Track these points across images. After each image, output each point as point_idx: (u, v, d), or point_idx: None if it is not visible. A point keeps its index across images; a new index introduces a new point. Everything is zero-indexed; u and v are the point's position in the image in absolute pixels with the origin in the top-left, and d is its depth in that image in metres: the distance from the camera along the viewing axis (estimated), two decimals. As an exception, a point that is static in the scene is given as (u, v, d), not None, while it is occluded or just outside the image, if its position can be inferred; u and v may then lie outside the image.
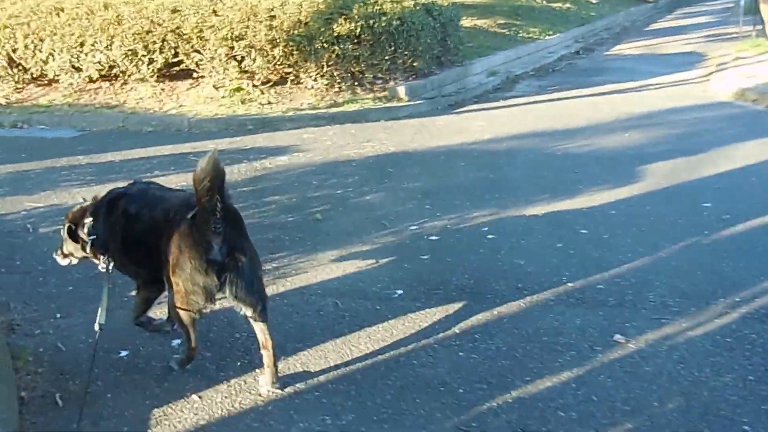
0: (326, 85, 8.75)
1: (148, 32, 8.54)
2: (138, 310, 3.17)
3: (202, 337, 3.17)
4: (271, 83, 8.74)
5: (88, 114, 8.25)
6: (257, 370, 2.99)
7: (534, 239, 4.38)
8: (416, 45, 9.17)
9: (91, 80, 8.97)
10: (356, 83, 8.95)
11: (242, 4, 8.53)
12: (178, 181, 5.70)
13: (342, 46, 8.54)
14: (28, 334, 3.35)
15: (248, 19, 8.42)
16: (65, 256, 3.24)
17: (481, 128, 7.56)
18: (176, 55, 8.66)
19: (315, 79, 8.73)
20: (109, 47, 8.61)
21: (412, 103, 8.68)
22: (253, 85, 8.68)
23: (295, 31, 8.43)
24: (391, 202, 5.17)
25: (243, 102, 8.46)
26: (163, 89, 8.89)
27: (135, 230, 2.88)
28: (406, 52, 9.10)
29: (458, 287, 3.74)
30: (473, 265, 4.01)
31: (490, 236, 4.45)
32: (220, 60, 8.49)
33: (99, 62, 8.71)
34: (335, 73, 8.72)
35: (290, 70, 8.75)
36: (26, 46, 8.87)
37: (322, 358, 3.12)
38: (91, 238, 2.98)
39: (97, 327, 2.81)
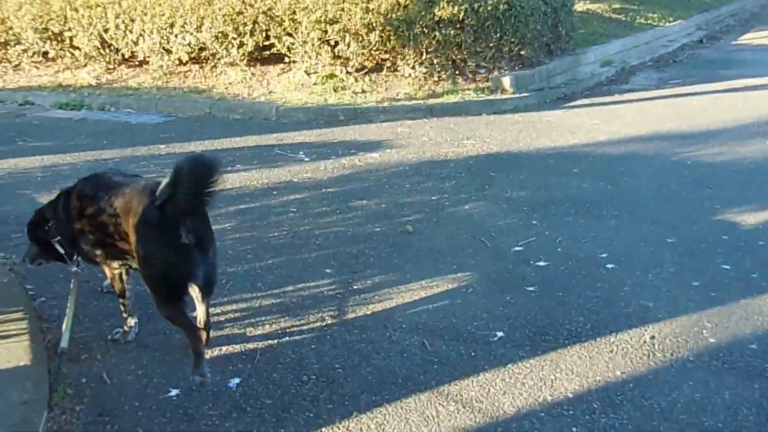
0: (425, 73, 8.11)
1: (239, 13, 8.16)
2: (118, 288, 3.03)
3: (265, 375, 2.77)
4: (365, 70, 8.19)
5: (176, 99, 7.97)
6: (323, 430, 2.46)
7: (664, 273, 3.62)
8: (524, 31, 8.37)
9: (181, 63, 8.71)
10: (457, 72, 8.27)
11: (338, -15, 8.01)
12: (260, 177, 5.28)
13: (443, 32, 7.87)
14: (73, 359, 2.94)
15: (343, 1, 7.88)
16: (33, 260, 3.18)
17: (595, 127, 6.73)
18: (267, 38, 8.25)
19: (413, 67, 8.11)
20: (199, 29, 8.30)
21: (517, 95, 7.92)
22: (347, 72, 8.16)
23: (393, 15, 7.82)
24: (492, 213, 4.51)
25: (335, 90, 7.96)
26: (253, 74, 8.52)
27: (93, 213, 2.84)
28: (512, 39, 8.32)
29: (571, 333, 3.07)
30: (590, 303, 3.32)
31: (609, 265, 3.72)
32: (313, 44, 8.01)
33: (189, 44, 8.42)
34: (435, 61, 8.07)
35: (387, 56, 8.19)
36: (117, 26, 8.70)
37: (402, 419, 2.55)
38: (56, 240, 2.99)
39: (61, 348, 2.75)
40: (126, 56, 8.96)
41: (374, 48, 7.99)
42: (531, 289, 3.48)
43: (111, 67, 9.14)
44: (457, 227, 4.29)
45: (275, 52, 8.34)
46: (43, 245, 3.09)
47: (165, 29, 8.46)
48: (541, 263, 3.75)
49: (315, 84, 8.13)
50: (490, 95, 7.88)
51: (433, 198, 4.82)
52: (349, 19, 7.81)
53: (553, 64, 8.84)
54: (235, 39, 8.26)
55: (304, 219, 4.48)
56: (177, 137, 6.58)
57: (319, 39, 7.97)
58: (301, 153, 5.99)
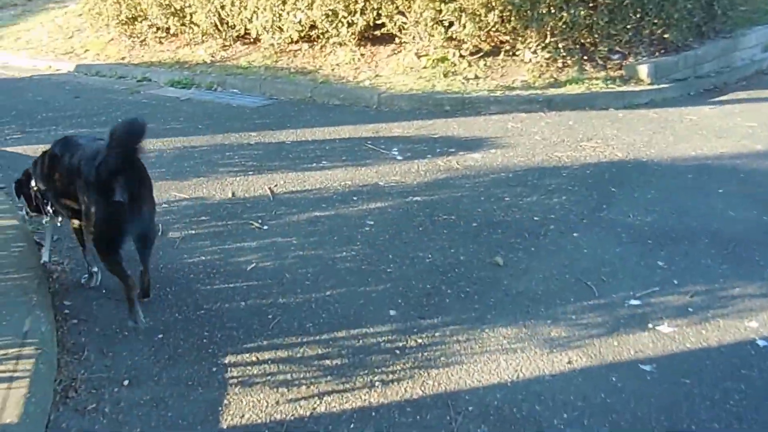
0: (547, 59, 7.20)
1: (351, -10, 7.59)
2: (79, 241, 3.37)
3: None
4: (481, 54, 7.40)
5: (280, 80, 7.57)
6: None
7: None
8: (671, 10, 7.21)
9: (292, 41, 8.29)
10: (585, 58, 7.29)
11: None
12: (343, 177, 4.74)
13: (573, 12, 6.91)
14: (79, 409, 2.53)
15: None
16: (28, 213, 3.53)
17: (750, 131, 5.61)
18: (378, 17, 7.63)
19: (534, 51, 7.22)
20: (310, 6, 7.83)
21: (655, 86, 6.84)
22: (460, 56, 7.40)
23: None
24: (605, 246, 3.69)
25: (445, 75, 7.23)
26: (362, 55, 7.95)
27: (59, 171, 3.11)
28: (656, 20, 7.20)
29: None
30: (731, 401, 2.48)
31: (762, 342, 2.83)
32: (426, 25, 7.30)
33: (299, 22, 7.97)
34: (560, 45, 7.13)
35: (506, 38, 7.34)
36: (233, 3, 8.41)
37: None
38: (34, 189, 3.31)
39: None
40: (240, 34, 8.69)
41: (492, 29, 7.17)
42: (647, 368, 2.69)
43: (227, 44, 8.92)
44: (559, 262, 3.52)
45: (386, 32, 7.71)
46: (28, 199, 3.45)
47: (277, 6, 8.06)
48: (664, 328, 2.93)
49: (424, 68, 7.45)
50: (621, 86, 6.86)
51: (535, 218, 4.06)
52: (468, -2, 7.02)
53: (703, 49, 7.60)
54: (345, 17, 7.71)
55: (380, 236, 3.87)
56: (271, 124, 6.16)
57: (433, 19, 7.24)
58: (395, 149, 5.37)
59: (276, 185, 4.66)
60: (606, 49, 7.22)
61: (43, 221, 3.45)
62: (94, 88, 8.03)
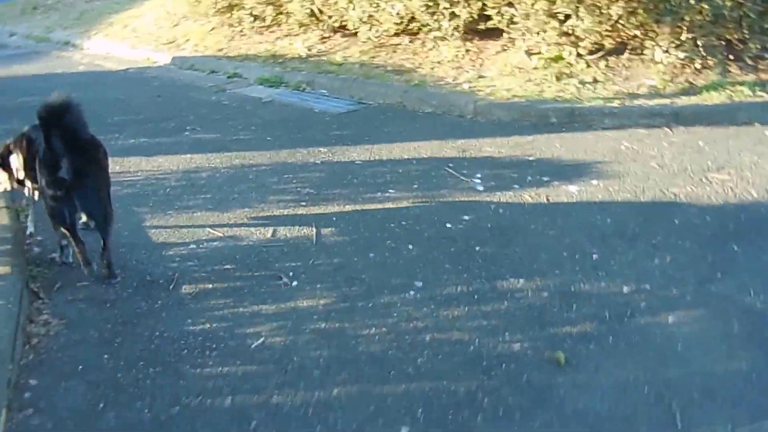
0: (682, 59, 6.05)
1: (456, -22, 6.77)
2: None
3: None
4: (602, 52, 6.35)
5: (372, 81, 6.92)
6: None
7: None
8: None
9: (392, 34, 7.61)
10: (731, 58, 6.05)
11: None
12: (406, 215, 4.03)
13: (716, 2, 5.70)
14: None
15: (582, -38, 6.07)
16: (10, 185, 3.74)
17: None
18: (484, 8, 6.76)
19: (667, 50, 6.08)
20: (408, -4, 7.10)
21: (821, 97, 5.52)
22: (578, 54, 6.40)
23: None
24: (708, 342, 2.78)
25: (559, 78, 6.27)
26: (467, 51, 7.14)
27: (31, 153, 3.35)
28: (827, 12, 5.82)
29: None
30: None
31: None
32: (537, 18, 6.35)
33: (397, 13, 7.27)
34: (699, 43, 5.94)
35: (633, 34, 6.24)
36: (329, -8, 7.86)
37: None
38: (15, 166, 3.54)
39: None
40: (338, 25, 8.14)
41: (615, 24, 6.11)
42: None
43: (325, 36, 8.40)
44: (639, 364, 2.66)
45: (492, 26, 6.83)
46: (8, 172, 3.66)
47: (373, -4, 7.41)
48: None
49: (535, 68, 6.51)
50: (775, 96, 5.59)
51: (624, 289, 3.18)
52: (587, -14, 5.99)
53: None
54: (446, 9, 6.91)
55: (424, 305, 3.16)
56: (347, 137, 5.55)
57: (545, 11, 6.28)
58: (478, 176, 4.59)
59: (325, 222, 4.04)
60: (756, 46, 5.94)
61: (24, 194, 3.80)
62: (181, 85, 7.80)
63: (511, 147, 5.12)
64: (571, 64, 6.42)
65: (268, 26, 9.07)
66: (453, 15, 6.92)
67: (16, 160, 3.57)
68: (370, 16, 7.57)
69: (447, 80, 6.67)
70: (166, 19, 11.16)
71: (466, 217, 4.00)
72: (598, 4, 6.04)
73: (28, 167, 3.46)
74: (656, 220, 3.82)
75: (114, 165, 4.93)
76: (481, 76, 6.66)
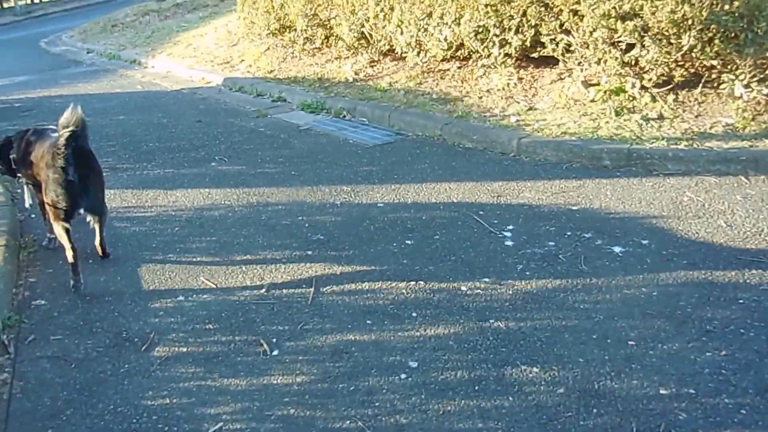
0: (766, 96, 5.31)
1: (508, 2, 6.23)
2: (42, 210, 3.98)
3: None
4: (670, 85, 5.67)
5: (414, 111, 6.46)
6: None
7: None
8: None
9: (443, 59, 7.15)
10: (823, 96, 5.27)
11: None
12: (420, 273, 3.52)
13: (807, 32, 4.97)
14: None
15: (650, -14, 5.44)
16: (3, 173, 4.28)
17: None
18: (538, 35, 6.20)
19: (747, 85, 5.36)
20: (457, 21, 6.61)
21: None
22: (642, 87, 5.74)
23: (724, 7, 5.17)
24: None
25: (618, 112, 5.64)
26: (521, 79, 6.59)
27: (29, 152, 3.89)
28: None
29: None
30: None
31: None
32: (596, 47, 5.74)
33: (445, 39, 6.80)
34: (786, 77, 5.21)
35: (709, 64, 5.55)
36: (376, 16, 7.46)
37: None
38: (12, 156, 4.05)
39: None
40: (386, 49, 7.74)
41: (687, 54, 5.44)
42: None
43: (375, 60, 8.02)
44: None
45: (546, 54, 6.26)
46: (6, 163, 4.11)
47: (422, 20, 6.96)
48: None
49: (593, 101, 5.90)
50: None
51: (661, 391, 2.57)
52: (653, 14, 5.35)
53: None
54: (496, 36, 6.39)
55: (412, 395, 2.67)
56: (375, 174, 5.11)
57: (605, 40, 5.67)
58: (509, 228, 4.05)
59: (327, 278, 3.60)
60: None
61: (18, 182, 4.33)
62: (224, 109, 7.57)
63: (553, 193, 4.54)
64: (633, 98, 5.77)
65: (319, 48, 8.79)
66: (504, 42, 6.39)
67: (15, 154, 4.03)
68: (418, 41, 7.13)
69: (494, 111, 6.14)
70: (225, 39, 11.09)
71: (486, 281, 3.47)
72: (666, 32, 5.39)
73: (22, 163, 3.98)
74: (715, 298, 3.19)
75: (132, 198, 4.74)
76: (531, 108, 6.09)
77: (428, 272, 3.58)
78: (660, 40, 5.43)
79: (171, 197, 4.90)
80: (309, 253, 3.88)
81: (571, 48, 5.99)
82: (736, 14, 5.15)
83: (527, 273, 3.52)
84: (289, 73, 8.63)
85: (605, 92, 5.90)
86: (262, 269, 3.73)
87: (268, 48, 9.67)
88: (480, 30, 6.46)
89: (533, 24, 6.15)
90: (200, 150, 5.92)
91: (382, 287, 3.47)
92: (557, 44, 6.06)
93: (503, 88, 6.55)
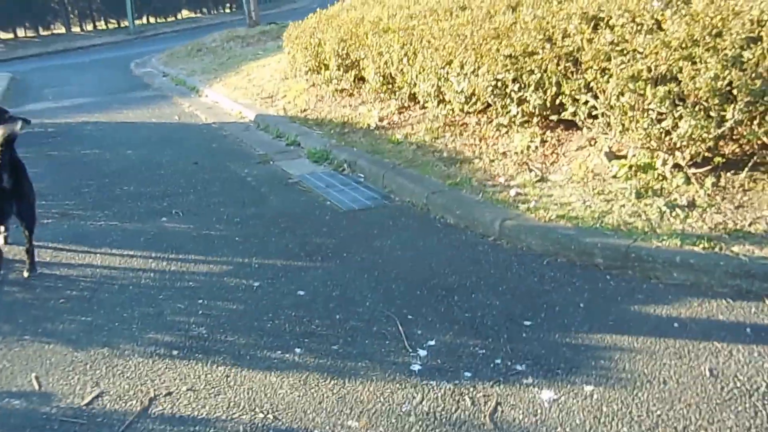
0: (827, 191, 4.15)
1: (530, 54, 5.36)
2: None
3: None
4: (709, 166, 4.60)
5: (410, 171, 5.68)
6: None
7: None
8: None
9: (462, 111, 6.34)
10: None
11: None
12: (287, 403, 2.76)
13: None
14: None
15: (689, 46, 4.43)
16: None
17: None
18: (559, 94, 5.28)
19: (805, 174, 4.22)
20: (476, 72, 5.79)
21: None
22: (675, 165, 4.69)
23: None
24: None
25: (641, 194, 4.64)
26: (544, 141, 5.69)
27: None
28: None
29: None
30: None
31: None
32: (623, 112, 4.76)
33: (461, 91, 5.99)
34: None
35: (762, 142, 4.46)
36: (401, 59, 6.77)
37: None
38: None
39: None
40: (404, 97, 7.04)
41: (731, 128, 4.37)
42: None
43: (404, 106, 7.34)
44: None
45: (569, 116, 5.32)
46: None
47: (443, 68, 6.20)
48: None
49: (615, 177, 4.91)
50: None
51: None
52: (691, 78, 4.33)
53: None
54: (515, 92, 5.52)
55: None
56: (329, 247, 4.39)
57: (633, 106, 4.68)
58: (426, 346, 3.21)
59: (171, 391, 2.91)
60: None
61: None
62: (234, 150, 7.12)
63: (515, 297, 3.63)
64: (663, 177, 4.73)
65: (349, 91, 8.19)
66: (522, 99, 5.50)
67: None
68: (439, 91, 6.36)
69: (498, 180, 5.25)
70: (281, 72, 10.77)
71: (353, 425, 2.65)
72: (705, 103, 4.34)
73: None
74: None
75: (47, 255, 4.26)
76: (542, 180, 5.16)
77: (287, 401, 2.81)
78: (697, 111, 4.38)
79: (87, 259, 4.41)
80: (174, 353, 3.21)
81: (595, 112, 5.02)
82: (790, 87, 4.04)
83: (409, 419, 2.66)
84: (320, 114, 8.09)
85: (630, 168, 4.89)
86: (107, 370, 3.10)
87: (313, 85, 9.21)
88: (497, 83, 5.60)
89: (555, 81, 5.22)
90: (166, 199, 5.43)
91: (232, 402, 2.73)
92: (579, 106, 5.11)
93: (522, 151, 5.65)
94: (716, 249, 3.88)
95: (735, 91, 4.20)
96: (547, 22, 5.35)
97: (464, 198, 4.91)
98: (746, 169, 4.55)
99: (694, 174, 4.62)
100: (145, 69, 15.29)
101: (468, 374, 2.92)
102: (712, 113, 4.35)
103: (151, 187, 5.80)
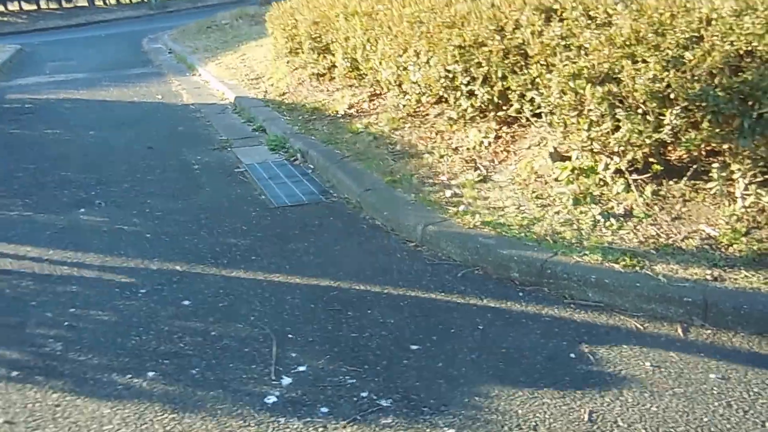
0: None
1: (479, 45, 5.10)
2: None
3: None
4: (650, 173, 4.33)
5: (354, 166, 5.49)
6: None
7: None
8: None
9: (419, 102, 6.11)
10: None
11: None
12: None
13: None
14: None
15: (636, 42, 4.13)
16: None
17: None
18: (507, 91, 5.02)
19: (747, 187, 3.94)
20: (428, 62, 5.55)
21: None
22: (617, 170, 4.43)
23: (722, 80, 3.82)
24: None
25: (578, 201, 4.42)
26: (498, 137, 5.44)
27: None
28: None
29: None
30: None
31: None
32: (563, 113, 4.50)
33: (416, 82, 5.76)
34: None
35: (710, 149, 4.19)
36: (363, 45, 6.54)
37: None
38: None
39: None
40: (369, 84, 6.82)
41: (676, 135, 4.10)
42: None
43: (376, 93, 7.12)
44: None
45: (515, 113, 5.07)
46: None
47: (401, 57, 5.96)
48: None
49: (557, 180, 4.65)
50: None
51: None
52: (632, 79, 4.05)
53: None
54: (464, 85, 5.27)
55: None
56: (243, 249, 4.25)
57: (571, 105, 4.41)
58: (292, 372, 3.05)
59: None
60: None
61: None
62: (197, 135, 7.00)
63: (411, 316, 3.45)
64: (604, 183, 4.46)
65: (330, 77, 7.97)
66: (471, 93, 5.24)
67: None
68: (399, 79, 6.13)
69: (440, 179, 5.04)
70: (273, 52, 10.56)
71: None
72: (641, 107, 4.06)
73: None
74: None
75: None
76: (485, 180, 4.93)
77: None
78: (633, 116, 4.11)
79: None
80: (3, 379, 3.00)
81: (539, 111, 4.76)
82: (732, 91, 3.73)
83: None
84: (297, 98, 7.92)
85: (573, 171, 4.63)
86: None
87: (296, 68, 9.00)
88: (448, 76, 5.35)
89: (502, 75, 4.96)
90: (97, 188, 5.33)
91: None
92: (524, 103, 4.85)
93: (474, 147, 5.42)
94: (638, 267, 3.64)
95: (672, 95, 3.91)
96: (501, 12, 5.07)
97: (396, 198, 4.72)
98: (684, 178, 4.26)
99: (635, 181, 4.35)
100: (155, 45, 15.21)
101: (324, 410, 2.76)
102: (649, 117, 4.07)
103: (88, 173, 5.69)
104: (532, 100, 4.78)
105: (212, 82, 9.95)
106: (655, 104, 4.02)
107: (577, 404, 2.76)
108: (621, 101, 4.18)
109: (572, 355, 3.09)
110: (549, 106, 4.59)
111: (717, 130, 3.86)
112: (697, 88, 3.81)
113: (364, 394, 2.84)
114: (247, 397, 2.81)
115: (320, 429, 2.64)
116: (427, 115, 6.18)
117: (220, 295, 3.63)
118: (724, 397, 2.75)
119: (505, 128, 5.46)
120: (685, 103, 3.90)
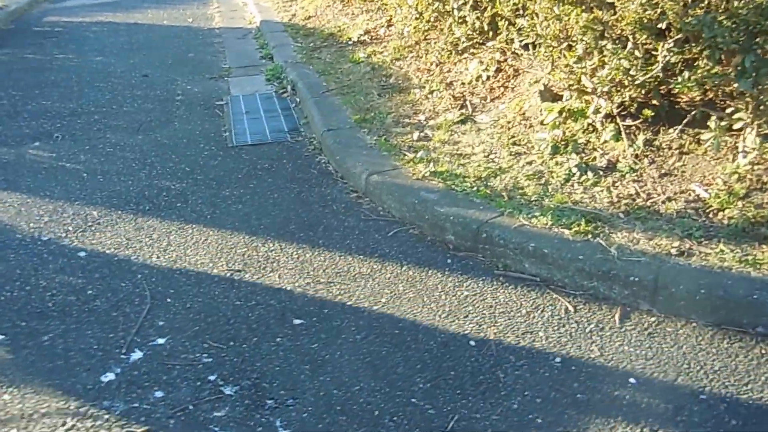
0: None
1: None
2: None
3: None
4: (646, 116, 3.62)
5: (335, 100, 4.99)
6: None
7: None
8: None
9: (417, 30, 5.47)
10: None
11: None
12: None
13: None
14: None
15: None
16: None
17: None
18: (494, 18, 4.34)
19: (755, 132, 3.21)
20: None
21: None
22: (608, 115, 3.74)
23: (719, 4, 3.06)
24: None
25: (558, 149, 3.79)
26: (499, 70, 4.79)
27: None
28: None
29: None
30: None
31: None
32: (549, 45, 3.82)
33: (415, 7, 5.11)
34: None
35: (693, 95, 3.44)
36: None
37: None
38: None
39: None
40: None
41: (671, 74, 3.37)
42: None
43: (392, 19, 6.50)
44: None
45: (501, 45, 4.38)
46: None
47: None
48: None
49: (543, 123, 4.01)
50: None
51: None
52: (623, 3, 3.32)
53: None
54: (456, 10, 4.61)
55: None
56: (172, 194, 3.90)
57: (556, 36, 3.72)
58: (159, 334, 2.73)
59: None
60: None
61: None
62: (201, 62, 6.61)
63: (315, 282, 3.03)
64: (593, 128, 3.78)
65: (361, -1, 7.37)
66: (463, 20, 4.57)
67: None
68: (400, 2, 5.49)
69: (418, 118, 4.48)
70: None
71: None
72: (628, 36, 3.33)
73: None
74: None
75: None
76: (467, 120, 4.34)
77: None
78: (620, 49, 3.38)
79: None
80: None
81: (527, 41, 4.07)
82: (739, 20, 2.95)
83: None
84: (319, 23, 7.41)
85: (561, 113, 3.96)
86: None
87: (329, -9, 8.41)
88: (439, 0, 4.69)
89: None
90: (67, 119, 5.08)
91: None
92: (510, 31, 4.16)
93: (470, 82, 4.79)
94: (590, 235, 3.04)
95: (664, 25, 3.16)
96: None
97: (356, 140, 4.22)
98: (679, 128, 3.51)
99: (628, 127, 3.65)
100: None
101: (158, 395, 2.39)
102: (638, 53, 3.34)
103: (68, 102, 5.45)
104: (521, 30, 4.07)
105: (249, 5, 9.52)
106: (645, 36, 3.27)
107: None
108: (603, 30, 3.45)
109: (472, 343, 2.60)
110: (536, 36, 3.88)
111: (714, 70, 3.09)
112: (698, 14, 3.03)
113: (211, 378, 2.48)
114: (84, 374, 2.51)
115: (142, 419, 2.31)
116: (428, 46, 5.52)
117: (120, 247, 3.33)
118: (641, 418, 2.20)
119: (510, 61, 4.76)
120: (679, 35, 3.13)
